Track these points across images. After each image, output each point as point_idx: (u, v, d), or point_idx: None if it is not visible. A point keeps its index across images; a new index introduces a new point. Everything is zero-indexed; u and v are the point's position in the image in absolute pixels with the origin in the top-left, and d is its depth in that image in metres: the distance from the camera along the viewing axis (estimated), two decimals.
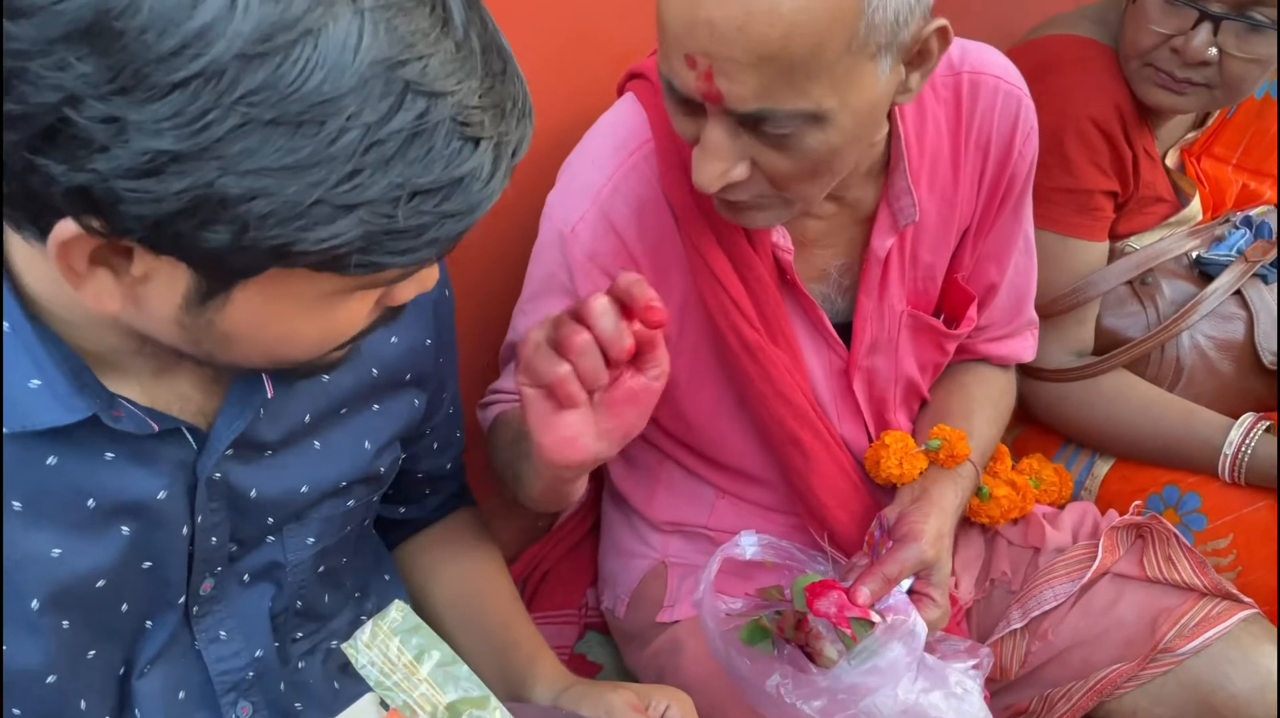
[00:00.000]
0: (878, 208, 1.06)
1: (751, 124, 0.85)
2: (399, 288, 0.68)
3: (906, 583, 1.04)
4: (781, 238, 1.04)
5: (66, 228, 0.56)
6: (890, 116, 1.02)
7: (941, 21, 0.88)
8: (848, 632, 0.98)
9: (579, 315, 0.73)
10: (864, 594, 0.99)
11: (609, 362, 0.74)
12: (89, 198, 0.54)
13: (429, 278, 0.70)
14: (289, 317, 0.64)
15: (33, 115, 0.52)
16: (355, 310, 0.67)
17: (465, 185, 0.57)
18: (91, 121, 0.51)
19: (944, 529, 1.06)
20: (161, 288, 0.60)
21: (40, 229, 0.57)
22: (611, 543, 1.30)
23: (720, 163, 0.87)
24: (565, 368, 0.73)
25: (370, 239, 0.56)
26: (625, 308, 0.74)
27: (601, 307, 0.73)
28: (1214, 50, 1.18)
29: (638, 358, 0.77)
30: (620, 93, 1.10)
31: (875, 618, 0.99)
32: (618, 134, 1.04)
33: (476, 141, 0.57)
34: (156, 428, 0.72)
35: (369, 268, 0.58)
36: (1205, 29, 1.18)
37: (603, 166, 1.03)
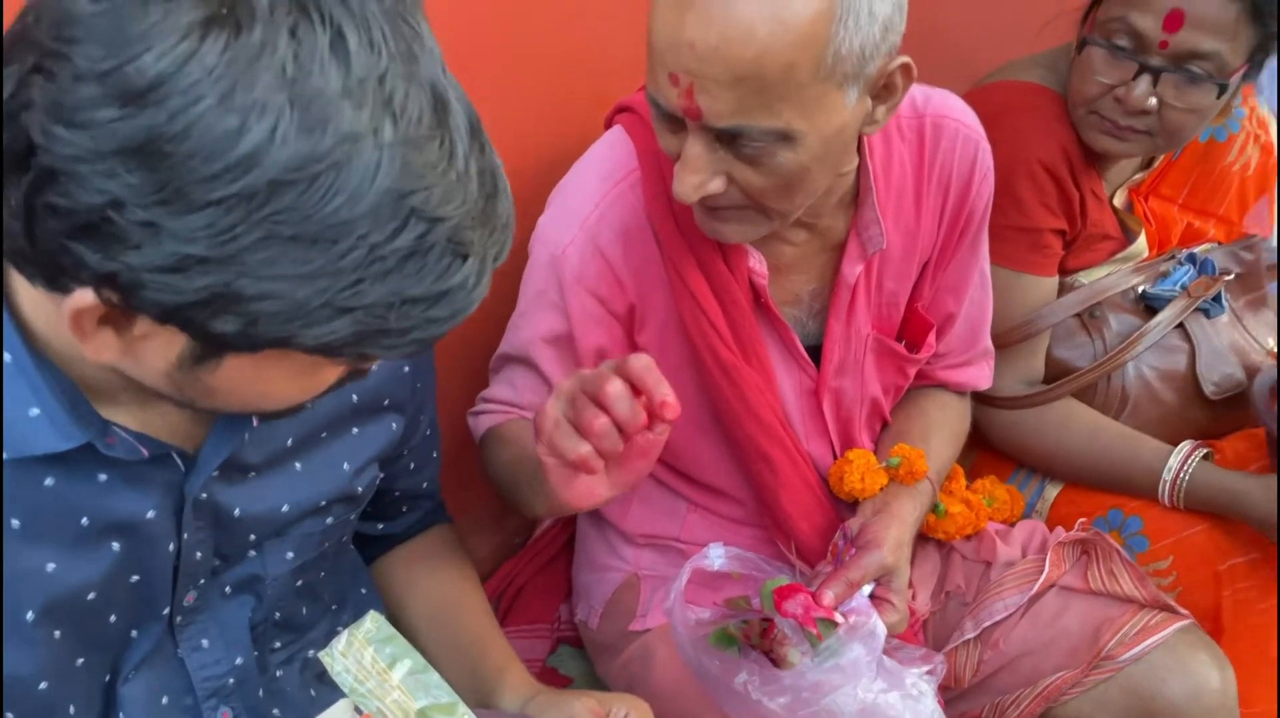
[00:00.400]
0: (848, 237, 1.14)
1: (728, 140, 0.93)
2: (368, 359, 0.74)
3: (868, 588, 1.10)
4: (757, 263, 1.10)
5: (85, 297, 0.60)
6: (860, 151, 1.09)
7: (905, 59, 0.95)
8: (813, 631, 1.04)
9: (597, 398, 0.80)
10: (829, 596, 1.05)
11: (624, 437, 0.81)
12: (114, 281, 0.59)
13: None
14: (272, 380, 0.69)
15: (77, 211, 0.57)
16: (328, 375, 0.73)
17: (451, 295, 0.63)
18: (131, 224, 0.56)
19: (903, 539, 1.13)
20: (159, 348, 0.65)
21: (57, 288, 0.62)
22: (586, 557, 1.35)
23: (698, 175, 0.94)
24: (587, 448, 0.81)
25: (361, 336, 0.62)
26: (634, 387, 0.81)
27: (617, 392, 0.80)
28: (1154, 100, 1.26)
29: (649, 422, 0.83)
30: (609, 125, 1.16)
31: (839, 619, 1.05)
32: (606, 164, 1.11)
33: (465, 257, 0.63)
34: (147, 454, 0.77)
35: (355, 358, 0.65)
36: (1145, 80, 1.25)
37: (591, 194, 1.09)
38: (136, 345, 0.65)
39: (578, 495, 0.87)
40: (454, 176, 0.61)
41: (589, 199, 1.09)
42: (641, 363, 0.81)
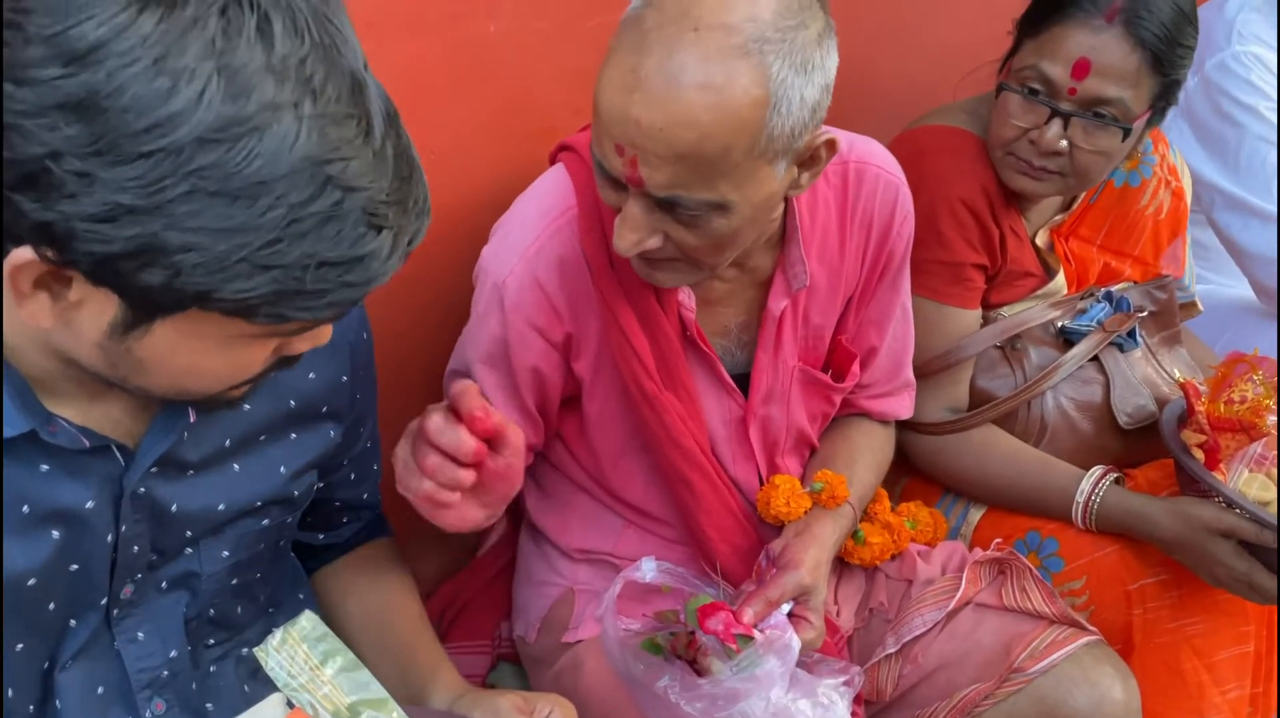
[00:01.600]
0: (774, 274, 1.20)
1: (666, 206, 1.00)
2: (295, 341, 0.79)
3: (787, 606, 1.15)
4: (686, 298, 1.17)
5: (23, 254, 0.65)
6: (786, 197, 1.16)
7: (830, 134, 1.04)
8: (732, 646, 1.09)
9: (425, 436, 0.86)
10: (748, 614, 1.10)
11: (462, 464, 0.86)
12: (50, 232, 0.64)
13: (322, 336, 0.80)
14: (198, 352, 0.73)
15: (19, 162, 0.62)
16: (255, 354, 0.77)
17: (365, 262, 0.69)
18: (68, 174, 0.62)
19: (822, 559, 1.18)
20: (92, 314, 0.70)
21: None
22: (525, 573, 1.39)
23: (637, 233, 1.01)
24: (428, 485, 0.87)
25: (279, 295, 0.67)
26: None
27: (437, 426, 0.85)
28: (1065, 142, 1.34)
29: (492, 445, 0.88)
30: (552, 161, 1.22)
31: (757, 635, 1.10)
32: (546, 200, 1.17)
33: (380, 229, 0.68)
34: (88, 444, 0.81)
35: (274, 318, 0.69)
36: (1056, 124, 1.33)
37: (531, 228, 1.15)
38: (70, 313, 0.70)
39: (452, 522, 0.91)
40: (370, 154, 0.67)
41: (529, 232, 1.15)
42: (456, 388, 0.87)
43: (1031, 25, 1.36)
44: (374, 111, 0.68)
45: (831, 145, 1.04)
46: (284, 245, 0.65)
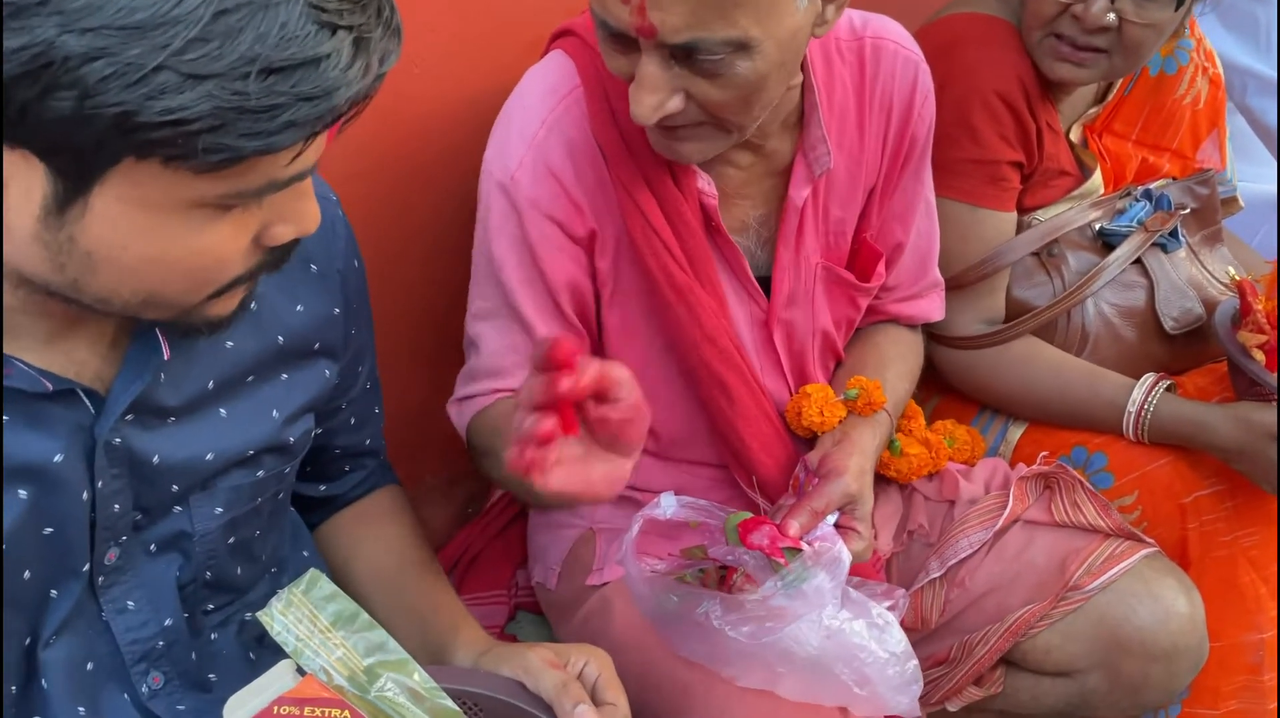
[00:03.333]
0: (793, 160, 1.11)
1: (684, 55, 0.90)
2: (274, 227, 0.68)
3: (833, 517, 1.08)
4: (706, 184, 1.08)
5: None
6: (804, 69, 1.07)
7: None
8: (780, 560, 1.01)
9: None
10: (794, 527, 1.03)
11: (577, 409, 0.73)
12: None
13: (306, 216, 0.69)
14: (152, 230, 0.63)
15: None
16: (225, 238, 0.66)
17: (321, 69, 0.58)
18: None
19: (865, 467, 1.11)
20: (17, 195, 0.60)
21: None
22: (541, 517, 1.31)
23: (656, 95, 0.92)
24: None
25: (220, 116, 0.57)
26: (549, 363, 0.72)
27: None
28: (1112, 16, 1.24)
29: (602, 396, 0.75)
30: (546, 52, 1.13)
31: (804, 548, 1.02)
32: (547, 81, 1.07)
33: (334, 29, 0.58)
34: (50, 388, 0.72)
35: (221, 153, 0.58)
36: None
37: (536, 111, 1.06)
38: None
39: (569, 483, 0.76)
40: None
41: (534, 117, 1.06)
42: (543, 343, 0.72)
43: None
44: None
45: None
46: (214, 46, 0.55)
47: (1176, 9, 1.25)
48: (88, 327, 0.74)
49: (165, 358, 0.78)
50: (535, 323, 1.09)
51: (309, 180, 0.69)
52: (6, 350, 0.70)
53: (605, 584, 1.20)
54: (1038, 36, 1.31)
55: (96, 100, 0.55)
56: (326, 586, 0.84)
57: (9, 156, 0.58)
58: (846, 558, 0.99)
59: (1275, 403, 1.24)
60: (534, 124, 1.05)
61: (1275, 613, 1.30)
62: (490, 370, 1.12)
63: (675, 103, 0.93)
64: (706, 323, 1.10)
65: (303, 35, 0.57)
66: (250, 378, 0.86)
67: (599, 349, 1.17)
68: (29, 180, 0.59)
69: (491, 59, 1.30)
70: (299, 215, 0.69)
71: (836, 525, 1.06)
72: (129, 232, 0.62)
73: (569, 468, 0.75)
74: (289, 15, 0.56)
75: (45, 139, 0.57)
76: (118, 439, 0.78)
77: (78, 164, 0.58)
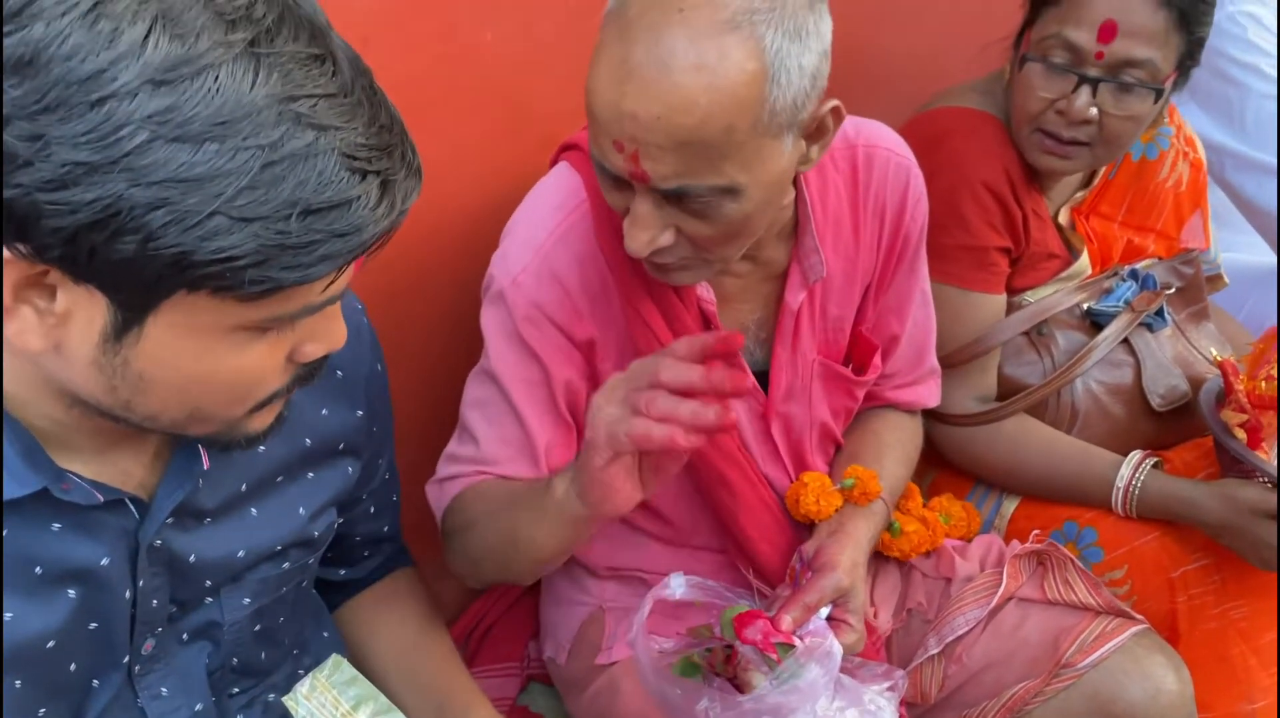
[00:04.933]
0: (789, 267, 1.16)
1: (674, 198, 0.96)
2: (306, 345, 0.74)
3: (825, 610, 1.11)
4: (705, 292, 1.13)
5: None
6: (796, 184, 1.12)
7: (834, 102, 0.99)
8: (772, 656, 1.05)
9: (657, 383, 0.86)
10: (787, 621, 1.06)
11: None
12: (13, 215, 0.60)
13: (335, 336, 0.75)
14: (200, 354, 0.68)
15: None
16: (264, 359, 0.71)
17: (354, 209, 0.64)
18: (19, 139, 0.58)
19: (858, 560, 1.15)
20: (81, 326, 0.66)
21: None
22: (552, 593, 1.35)
23: (648, 232, 0.97)
24: (663, 429, 0.86)
25: (265, 254, 0.62)
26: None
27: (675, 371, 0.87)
28: (1095, 110, 1.30)
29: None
30: (553, 164, 1.19)
31: (797, 642, 1.06)
32: (556, 195, 1.13)
33: (363, 174, 0.64)
34: (101, 499, 0.77)
35: (265, 284, 0.64)
36: (1085, 91, 1.30)
37: (544, 223, 1.11)
38: (60, 331, 0.66)
39: (614, 499, 0.90)
40: (340, 95, 0.63)
41: (542, 228, 1.11)
42: (680, 348, 0.87)
43: None
44: (340, 58, 0.64)
45: (838, 113, 1.00)
46: (261, 193, 0.61)
47: (1155, 101, 1.31)
48: (134, 439, 0.80)
49: (205, 467, 0.83)
50: (528, 418, 1.13)
51: (339, 303, 0.74)
52: (61, 463, 0.75)
53: (614, 664, 1.23)
54: (1026, 131, 1.36)
55: (158, 243, 0.60)
56: (348, 670, 0.88)
57: (74, 292, 0.64)
58: (838, 651, 1.03)
59: (1257, 480, 1.28)
60: (541, 234, 1.10)
61: (1265, 684, 1.32)
62: (479, 459, 1.15)
63: (666, 238, 0.98)
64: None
65: (337, 181, 0.63)
66: (279, 478, 0.91)
67: None
68: (91, 311, 0.65)
69: (505, 156, 1.35)
70: (328, 335, 0.75)
71: (829, 618, 1.10)
72: (179, 353, 0.68)
73: (626, 486, 0.88)
74: (325, 164, 0.62)
75: (110, 276, 0.63)
76: (159, 541, 0.83)
77: (137, 297, 0.64)
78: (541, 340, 1.11)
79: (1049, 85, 1.32)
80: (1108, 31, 1.27)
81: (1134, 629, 1.20)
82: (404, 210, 0.68)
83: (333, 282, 0.69)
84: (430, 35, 1.23)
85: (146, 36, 0.58)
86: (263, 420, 0.77)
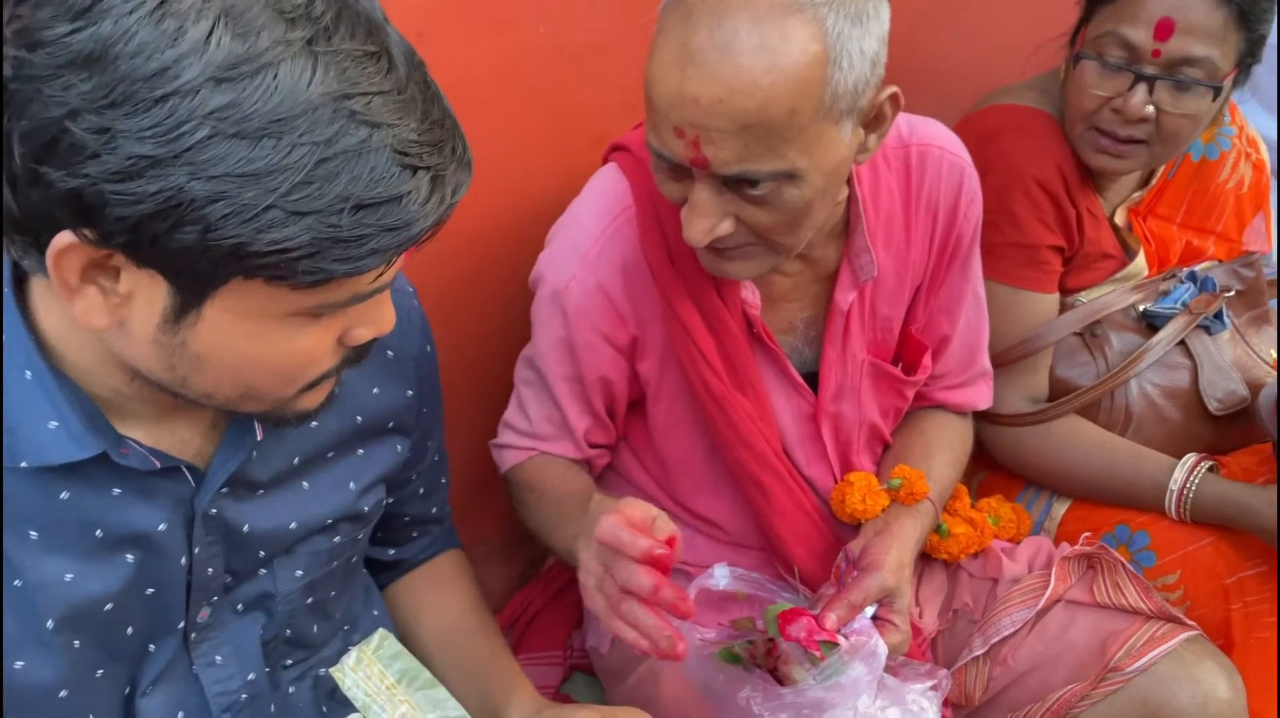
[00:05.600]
0: (839, 266, 1.17)
1: (734, 185, 0.96)
2: (356, 328, 0.76)
3: (870, 609, 1.11)
4: (750, 294, 1.13)
5: (63, 238, 0.64)
6: (849, 182, 1.12)
7: (893, 89, 1.00)
8: (815, 653, 1.05)
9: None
10: (831, 619, 1.06)
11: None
12: (80, 202, 0.63)
13: (384, 319, 0.78)
14: (253, 336, 0.71)
15: (40, 129, 0.62)
16: (314, 341, 0.74)
17: (403, 204, 0.66)
18: (87, 132, 0.61)
19: (904, 560, 1.14)
20: (142, 306, 0.69)
21: (41, 249, 0.66)
22: None
23: (708, 219, 0.98)
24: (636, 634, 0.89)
25: (317, 245, 0.65)
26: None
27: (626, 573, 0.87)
28: (1151, 108, 1.28)
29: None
30: (604, 163, 1.20)
31: (841, 641, 1.06)
32: (603, 201, 1.14)
33: (415, 170, 0.66)
34: (159, 465, 0.80)
35: (316, 274, 0.66)
36: (1141, 89, 1.28)
37: (589, 231, 1.13)
38: (123, 310, 0.69)
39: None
40: (394, 91, 0.65)
41: (587, 235, 1.13)
42: (607, 531, 0.87)
43: None
44: (395, 55, 0.66)
45: (896, 101, 1.00)
46: (315, 188, 0.63)
47: (1213, 100, 1.29)
48: (191, 410, 0.82)
49: (259, 438, 0.86)
50: (568, 410, 1.19)
51: (388, 290, 0.77)
52: (122, 430, 0.79)
53: None
54: (1080, 129, 1.35)
55: (217, 234, 0.63)
56: (393, 645, 0.89)
57: (136, 275, 0.67)
58: (883, 651, 1.03)
59: None
60: (587, 242, 1.12)
61: None
62: (529, 432, 1.23)
63: (726, 226, 0.99)
64: (741, 426, 1.15)
65: (389, 176, 0.65)
66: (331, 454, 0.94)
67: (647, 440, 1.24)
68: (151, 293, 0.68)
69: (558, 149, 1.37)
70: (377, 319, 0.77)
71: (875, 618, 1.09)
72: (234, 336, 0.71)
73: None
74: (378, 160, 0.64)
75: (170, 263, 0.66)
76: (214, 510, 0.85)
77: (196, 283, 0.67)
78: (584, 347, 1.14)
79: (1104, 83, 1.30)
80: (1164, 29, 1.25)
81: (1185, 635, 1.18)
82: (454, 203, 0.70)
83: (382, 273, 0.71)
84: (484, 29, 1.25)
85: (210, 34, 0.61)
86: (313, 399, 0.80)
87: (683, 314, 1.12)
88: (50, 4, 0.61)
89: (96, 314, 0.69)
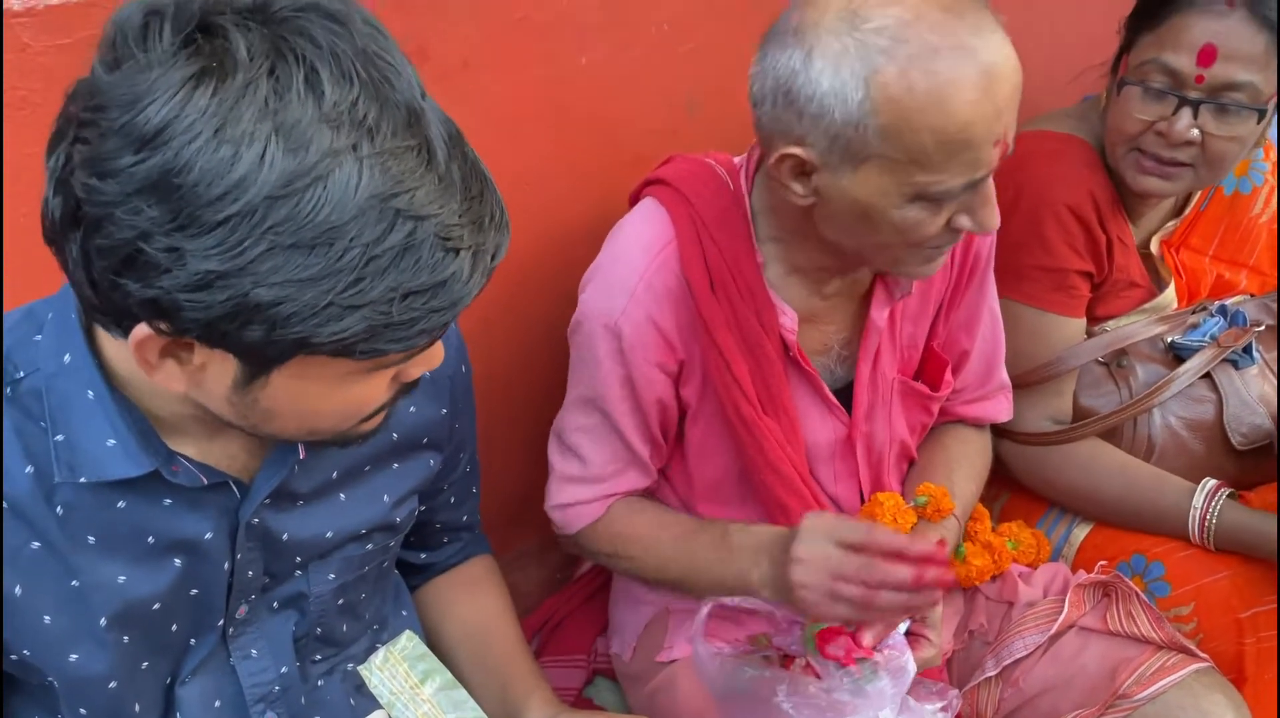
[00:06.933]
0: (873, 285, 1.20)
1: None
2: (408, 368, 0.81)
3: (904, 626, 1.14)
4: (788, 320, 1.17)
5: (142, 330, 0.70)
6: None
7: None
8: (854, 669, 1.09)
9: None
10: (869, 638, 1.09)
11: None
12: (157, 307, 0.68)
13: (434, 358, 0.83)
14: (316, 395, 0.76)
15: (116, 248, 0.67)
16: (372, 388, 0.79)
17: (448, 286, 0.71)
18: (158, 251, 0.66)
19: None
20: (215, 374, 0.74)
21: (123, 330, 0.72)
22: (621, 593, 1.41)
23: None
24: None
25: (372, 331, 0.69)
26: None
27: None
28: (1196, 131, 1.29)
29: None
30: (634, 200, 1.23)
31: (877, 657, 1.09)
32: (645, 236, 1.17)
33: (457, 251, 0.70)
34: (206, 482, 0.86)
35: (372, 353, 0.71)
36: (1186, 113, 1.29)
37: (635, 266, 1.16)
38: (198, 375, 0.75)
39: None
40: (435, 179, 0.69)
41: (634, 271, 1.15)
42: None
43: (1148, 18, 1.33)
44: (434, 136, 0.70)
45: None
46: (367, 283, 0.68)
47: (1258, 121, 1.30)
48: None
49: (301, 456, 0.91)
50: (633, 439, 1.21)
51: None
52: (176, 447, 0.85)
53: (674, 662, 1.28)
54: (1121, 151, 1.36)
55: (282, 331, 0.68)
56: (419, 646, 0.93)
57: (209, 352, 0.73)
58: (912, 669, 1.07)
59: None
60: (633, 278, 1.15)
61: None
62: (594, 477, 1.24)
63: None
64: (770, 452, 1.19)
65: (433, 263, 0.69)
66: (367, 468, 0.99)
67: (680, 463, 1.27)
68: (223, 366, 0.74)
69: (597, 173, 1.41)
70: (427, 359, 0.82)
71: (908, 633, 1.13)
72: (299, 396, 0.77)
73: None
74: (423, 250, 0.69)
75: (240, 349, 0.72)
76: (256, 520, 0.91)
77: (262, 360, 0.73)
78: (641, 379, 1.17)
79: (1148, 108, 1.31)
80: (1207, 56, 1.27)
81: (1195, 666, 1.19)
82: (494, 267, 0.75)
83: (435, 337, 0.76)
84: (527, 60, 1.30)
85: (263, 155, 0.65)
86: (370, 426, 0.85)
87: (720, 340, 1.15)
88: (116, 134, 0.65)
89: (175, 381, 0.75)
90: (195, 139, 0.64)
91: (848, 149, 0.99)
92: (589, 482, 1.24)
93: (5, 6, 0.96)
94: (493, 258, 0.74)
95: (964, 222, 1.05)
